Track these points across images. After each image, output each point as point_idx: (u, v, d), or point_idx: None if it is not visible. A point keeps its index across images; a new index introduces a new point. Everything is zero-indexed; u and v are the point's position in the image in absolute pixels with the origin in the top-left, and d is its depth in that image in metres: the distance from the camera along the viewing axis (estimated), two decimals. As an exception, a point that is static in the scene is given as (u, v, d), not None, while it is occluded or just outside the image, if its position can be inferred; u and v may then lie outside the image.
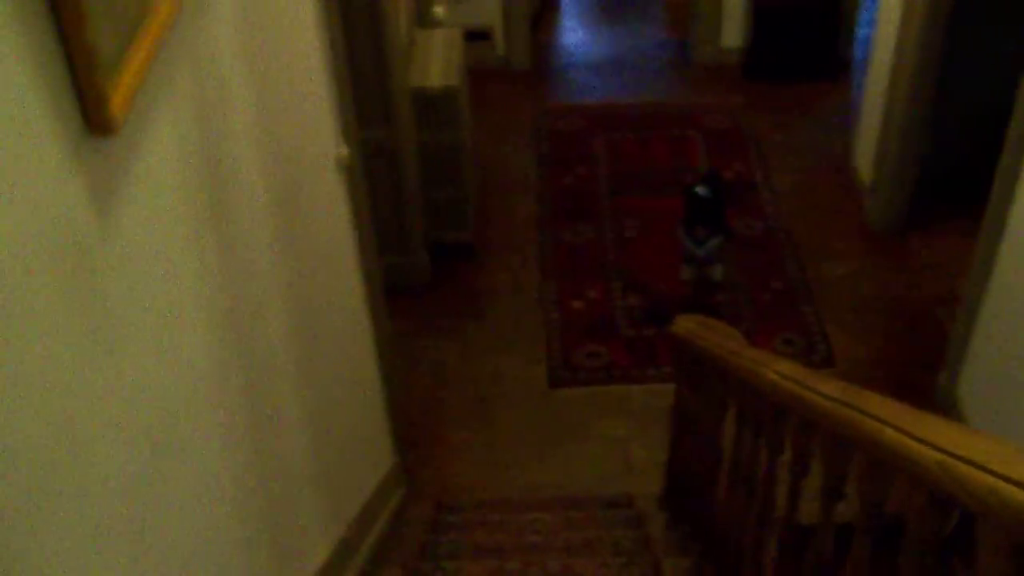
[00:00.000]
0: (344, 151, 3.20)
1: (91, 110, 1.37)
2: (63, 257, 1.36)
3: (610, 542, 3.67)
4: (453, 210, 5.55)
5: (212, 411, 1.98)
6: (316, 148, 2.98)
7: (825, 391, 1.73)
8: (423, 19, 5.89)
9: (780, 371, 2.04)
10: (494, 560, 3.47)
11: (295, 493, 2.62)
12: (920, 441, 1.28)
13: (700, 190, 5.19)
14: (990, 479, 1.08)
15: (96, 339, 1.45)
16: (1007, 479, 1.05)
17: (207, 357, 1.96)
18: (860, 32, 7.13)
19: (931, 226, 5.68)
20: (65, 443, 1.34)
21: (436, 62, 5.34)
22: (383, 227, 4.50)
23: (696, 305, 4.98)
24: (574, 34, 8.23)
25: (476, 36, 6.84)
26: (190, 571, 1.82)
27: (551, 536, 3.78)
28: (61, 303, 1.35)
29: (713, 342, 2.78)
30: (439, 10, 6.05)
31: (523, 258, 5.77)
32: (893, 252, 5.61)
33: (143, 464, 1.60)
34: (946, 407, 4.33)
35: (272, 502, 2.36)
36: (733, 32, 7.18)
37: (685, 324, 3.33)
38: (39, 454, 1.27)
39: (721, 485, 2.91)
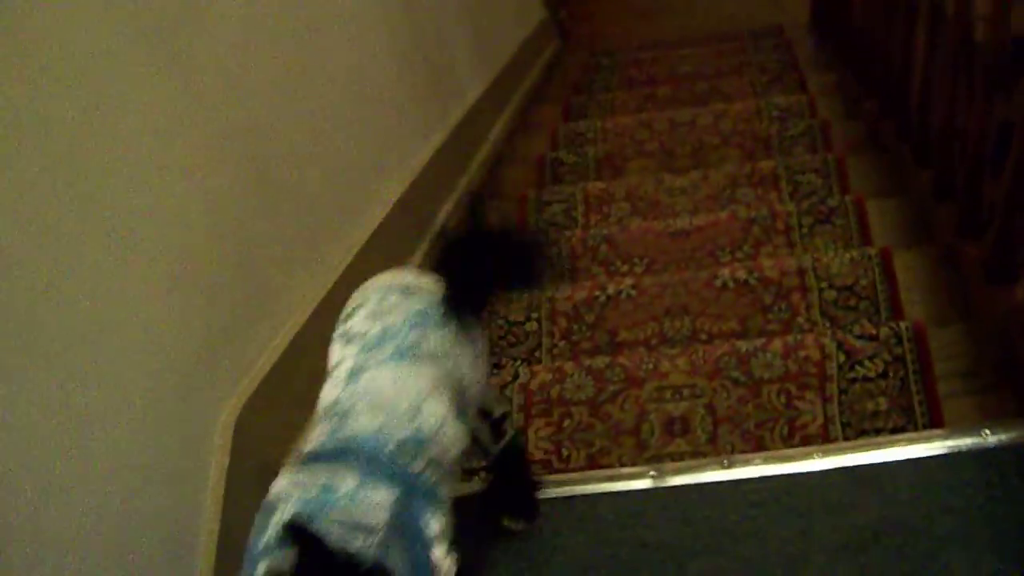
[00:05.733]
0: None
1: None
2: None
3: (757, 65, 3.78)
4: None
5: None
6: None
7: None
8: None
9: None
10: (646, 88, 3.64)
11: (447, 33, 2.78)
12: None
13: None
14: None
15: None
16: None
17: None
18: None
19: None
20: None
21: None
22: None
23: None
24: None
25: None
26: (348, 84, 2.05)
27: (701, 66, 3.91)
28: None
29: None
30: None
31: None
32: None
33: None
34: None
35: (424, 41, 2.53)
36: None
37: None
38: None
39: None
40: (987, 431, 1.40)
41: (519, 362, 1.95)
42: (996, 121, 1.71)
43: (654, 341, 1.93)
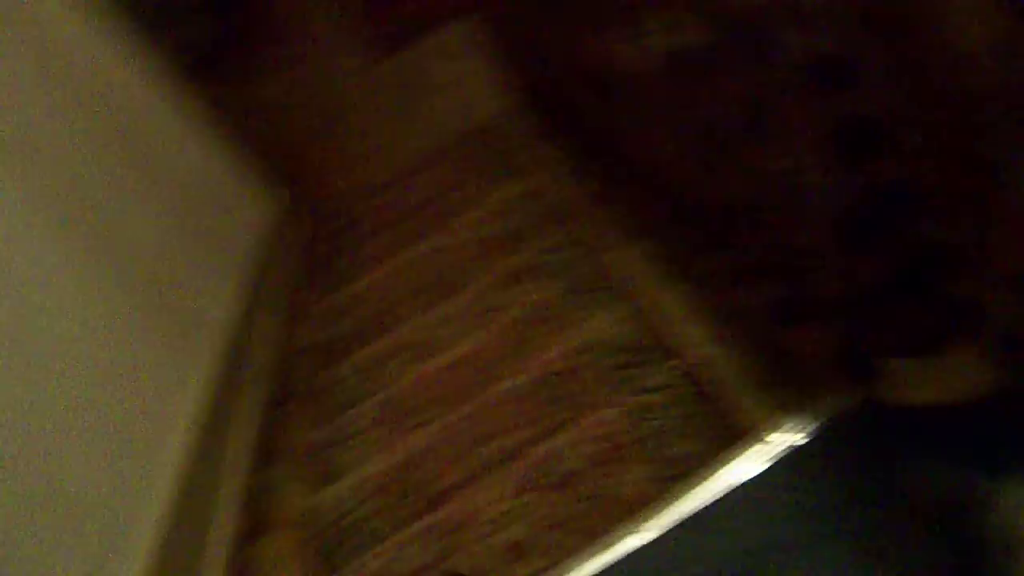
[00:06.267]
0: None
1: None
2: None
3: (481, 164, 3.85)
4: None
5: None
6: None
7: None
8: None
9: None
10: (385, 235, 3.66)
11: (171, 279, 2.68)
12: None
13: None
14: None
15: None
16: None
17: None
18: None
19: None
20: None
21: None
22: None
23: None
24: None
25: None
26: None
27: (427, 189, 3.95)
28: None
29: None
30: None
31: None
32: None
33: None
34: None
35: (141, 304, 2.45)
36: None
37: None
38: None
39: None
40: (767, 435, 1.43)
41: (353, 560, 1.89)
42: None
43: (468, 480, 1.90)
